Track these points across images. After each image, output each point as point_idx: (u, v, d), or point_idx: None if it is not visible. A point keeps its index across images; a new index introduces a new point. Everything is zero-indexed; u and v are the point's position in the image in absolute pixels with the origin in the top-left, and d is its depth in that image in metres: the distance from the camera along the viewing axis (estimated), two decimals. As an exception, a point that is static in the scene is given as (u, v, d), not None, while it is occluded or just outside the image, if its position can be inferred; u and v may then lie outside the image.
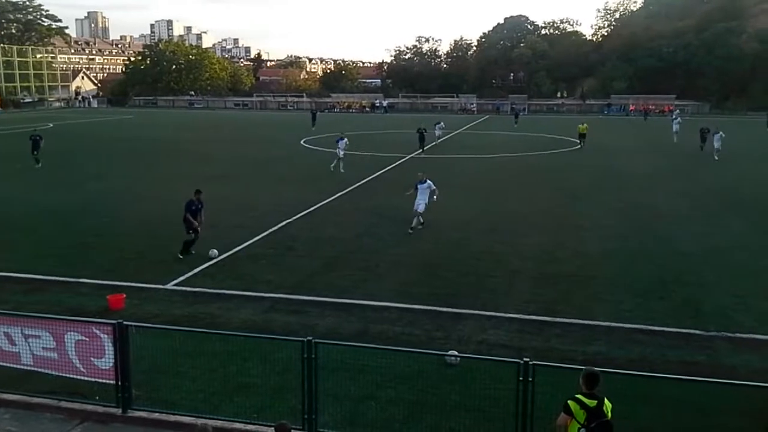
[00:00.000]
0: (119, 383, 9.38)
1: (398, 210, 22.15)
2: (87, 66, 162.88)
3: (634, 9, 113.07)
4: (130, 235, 19.96)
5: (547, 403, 7.87)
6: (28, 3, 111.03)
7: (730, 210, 24.12)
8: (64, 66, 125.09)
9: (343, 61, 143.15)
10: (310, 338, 8.78)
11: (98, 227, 21.11)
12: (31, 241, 19.33)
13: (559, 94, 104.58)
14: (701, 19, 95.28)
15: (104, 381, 9.52)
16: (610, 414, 6.87)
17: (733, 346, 11.87)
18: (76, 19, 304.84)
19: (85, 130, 59.97)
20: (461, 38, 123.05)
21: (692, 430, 8.72)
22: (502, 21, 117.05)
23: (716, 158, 37.01)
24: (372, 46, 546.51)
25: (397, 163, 36.66)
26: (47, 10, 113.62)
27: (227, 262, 17.13)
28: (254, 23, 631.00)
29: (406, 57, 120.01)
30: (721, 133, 38.15)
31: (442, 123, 47.60)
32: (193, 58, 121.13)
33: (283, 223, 21.52)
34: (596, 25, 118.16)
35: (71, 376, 9.68)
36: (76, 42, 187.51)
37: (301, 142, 49.19)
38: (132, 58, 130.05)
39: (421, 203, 20.05)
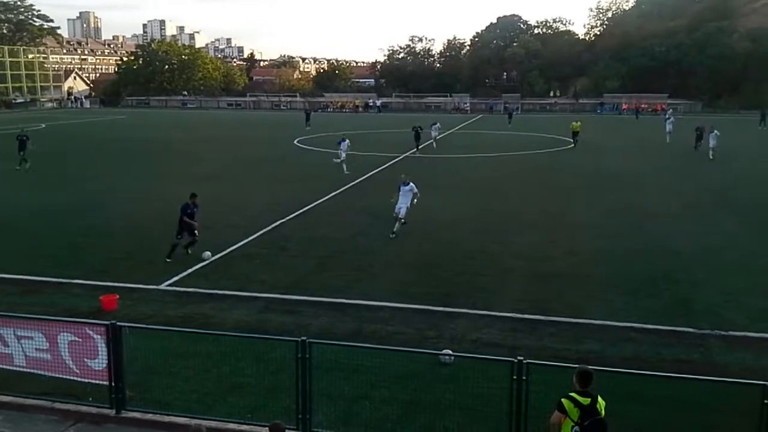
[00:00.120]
0: (113, 384, 9.35)
1: (392, 210, 22.09)
2: (79, 66, 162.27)
3: (627, 8, 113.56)
4: (122, 236, 19.90)
5: (540, 401, 7.88)
6: (19, 3, 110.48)
7: (722, 209, 24.23)
8: (56, 66, 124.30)
9: (337, 60, 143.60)
10: (304, 338, 8.78)
11: (90, 228, 21.03)
12: (23, 241, 19.25)
13: (552, 94, 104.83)
14: (693, 19, 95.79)
15: (98, 382, 9.49)
16: (603, 412, 6.89)
17: (726, 344, 11.93)
18: (68, 19, 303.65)
19: (78, 131, 59.76)
20: (454, 38, 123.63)
21: (686, 428, 8.76)
22: (495, 20, 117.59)
23: (711, 157, 36.95)
24: (365, 46, 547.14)
25: (391, 162, 36.66)
26: (39, 10, 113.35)
27: (221, 262, 17.09)
28: (247, 23, 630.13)
29: (400, 56, 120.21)
30: (716, 132, 38.16)
31: (438, 123, 47.29)
32: (186, 57, 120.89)
33: (277, 222, 21.50)
34: (589, 24, 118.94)
35: (64, 377, 9.64)
36: (68, 42, 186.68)
37: (295, 141, 49.15)
38: (124, 58, 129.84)
39: (402, 207, 19.62)
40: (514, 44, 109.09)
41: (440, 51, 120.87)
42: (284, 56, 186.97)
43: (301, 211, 23.47)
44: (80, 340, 9.46)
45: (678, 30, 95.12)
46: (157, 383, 10.09)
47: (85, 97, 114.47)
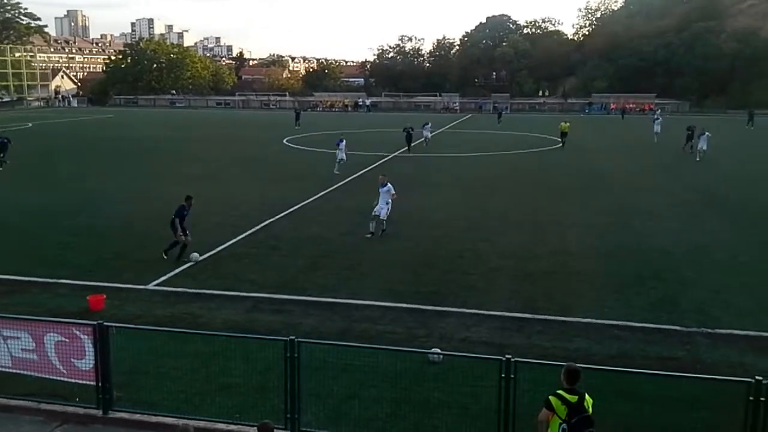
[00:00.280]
0: (100, 384, 9.30)
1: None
2: (67, 65, 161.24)
3: (615, 8, 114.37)
4: (109, 235, 19.78)
5: (529, 399, 7.92)
6: (6, 1, 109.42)
7: (710, 209, 24.39)
8: (44, 65, 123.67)
9: (326, 59, 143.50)
10: (292, 337, 8.77)
11: (78, 227, 20.90)
12: (9, 241, 19.08)
13: (540, 93, 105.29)
14: (681, 19, 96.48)
15: (85, 382, 9.44)
16: (590, 409, 6.94)
17: (712, 341, 12.02)
18: (56, 18, 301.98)
19: (65, 130, 59.33)
20: (444, 37, 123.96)
21: (672, 425, 8.81)
22: (484, 20, 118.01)
23: (698, 159, 36.48)
24: (355, 45, 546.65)
25: (381, 162, 36.67)
26: (26, 8, 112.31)
27: (209, 261, 17.03)
28: (236, 22, 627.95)
29: (389, 56, 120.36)
30: (708, 134, 37.63)
31: (430, 124, 46.89)
32: (175, 56, 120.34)
33: (266, 222, 21.45)
34: (577, 24, 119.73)
35: (51, 377, 9.58)
36: (55, 41, 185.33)
37: (284, 141, 49.04)
38: (112, 57, 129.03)
39: (383, 209, 19.41)
40: (504, 44, 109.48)
41: (430, 50, 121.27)
42: (273, 55, 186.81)
43: (290, 210, 23.42)
44: (67, 340, 9.40)
45: (666, 30, 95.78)
46: (145, 383, 10.05)
47: (73, 96, 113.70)
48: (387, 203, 19.54)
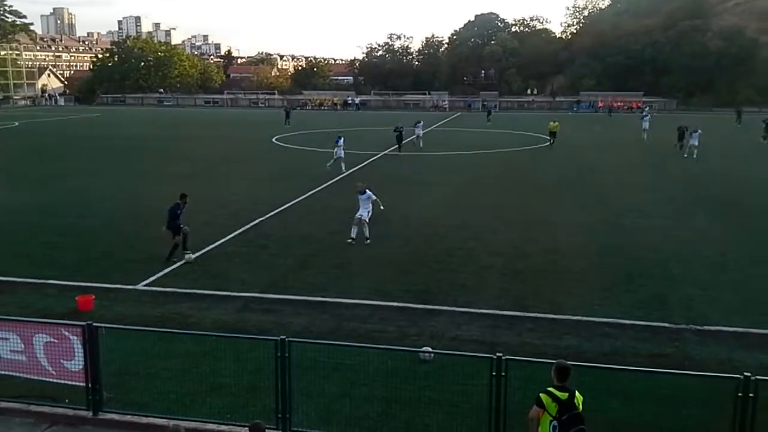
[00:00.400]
0: (89, 385, 9.25)
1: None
2: (53, 63, 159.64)
3: (603, 7, 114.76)
4: (98, 235, 19.66)
5: (519, 397, 7.95)
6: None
7: (698, 206, 24.54)
8: (30, 63, 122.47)
9: (315, 58, 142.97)
10: (283, 337, 8.76)
11: (66, 227, 20.76)
12: (-4, 242, 18.93)
13: (529, 92, 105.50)
14: (667, 18, 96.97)
15: (74, 383, 9.38)
16: (581, 406, 6.97)
17: (701, 338, 12.12)
18: (42, 16, 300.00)
19: (52, 129, 58.88)
20: (433, 35, 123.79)
21: (661, 421, 8.87)
22: (472, 18, 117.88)
23: (694, 157, 36.37)
24: (344, 43, 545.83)
25: (371, 160, 36.66)
26: (11, 6, 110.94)
27: (199, 261, 16.95)
28: (224, 20, 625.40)
29: (378, 54, 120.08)
30: (699, 131, 37.83)
31: (422, 122, 46.26)
32: (162, 55, 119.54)
33: (256, 221, 21.40)
34: (565, 22, 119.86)
35: (40, 378, 9.52)
36: (41, 39, 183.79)
37: (273, 139, 48.90)
38: (99, 55, 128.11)
39: (364, 212, 18.73)
40: (492, 42, 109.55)
41: (419, 49, 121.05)
42: (262, 53, 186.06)
43: (280, 209, 23.37)
44: (56, 341, 9.35)
45: (653, 28, 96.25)
46: (135, 384, 10.01)
47: (60, 94, 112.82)
48: (367, 210, 18.76)
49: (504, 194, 26.78)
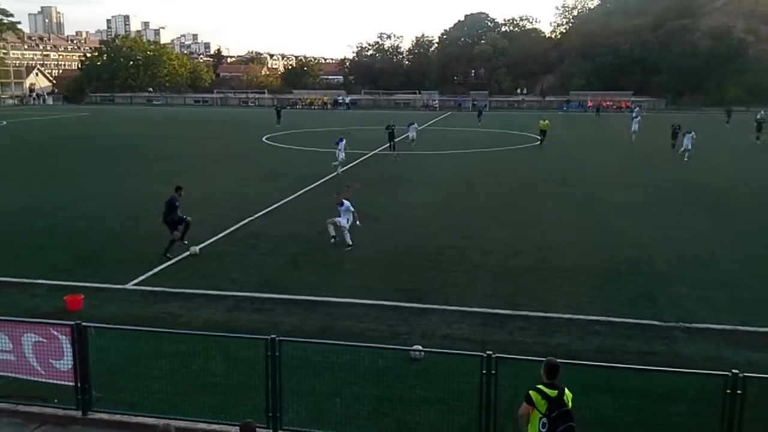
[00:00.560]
0: (79, 385, 9.20)
1: (361, 207, 22.09)
2: (41, 62, 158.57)
3: (592, 6, 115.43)
4: (87, 235, 19.55)
5: (510, 394, 7.98)
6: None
7: (688, 204, 24.67)
8: (17, 62, 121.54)
9: (305, 57, 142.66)
10: (274, 336, 8.74)
11: (55, 227, 20.62)
12: (-16, 242, 18.78)
13: (519, 91, 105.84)
14: (657, 17, 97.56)
15: (63, 383, 9.33)
16: (570, 403, 7.01)
17: (690, 335, 12.19)
18: (29, 14, 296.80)
19: (40, 128, 58.52)
20: (423, 35, 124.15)
21: (650, 419, 8.92)
22: (462, 18, 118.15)
23: (686, 159, 35.73)
24: (334, 43, 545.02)
25: (362, 159, 36.65)
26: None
27: (189, 260, 16.89)
28: (214, 19, 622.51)
29: (368, 53, 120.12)
30: (693, 133, 36.98)
31: (416, 123, 45.56)
32: (151, 54, 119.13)
33: (246, 220, 21.34)
34: (555, 22, 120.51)
35: (29, 378, 9.46)
36: (29, 37, 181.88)
37: (263, 139, 48.78)
38: (88, 54, 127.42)
39: (343, 219, 18.26)
40: (482, 42, 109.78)
41: (409, 48, 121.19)
42: (252, 52, 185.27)
43: (270, 208, 23.32)
44: (45, 340, 9.29)
45: (642, 28, 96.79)
46: (125, 384, 9.96)
47: (48, 93, 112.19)
48: (347, 218, 18.31)
49: (495, 193, 26.84)
